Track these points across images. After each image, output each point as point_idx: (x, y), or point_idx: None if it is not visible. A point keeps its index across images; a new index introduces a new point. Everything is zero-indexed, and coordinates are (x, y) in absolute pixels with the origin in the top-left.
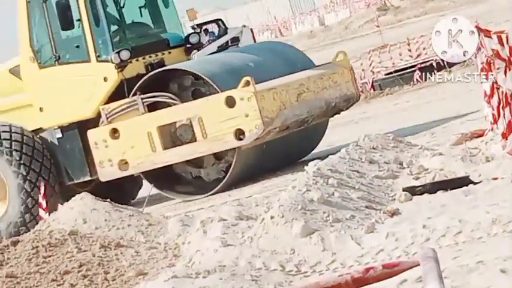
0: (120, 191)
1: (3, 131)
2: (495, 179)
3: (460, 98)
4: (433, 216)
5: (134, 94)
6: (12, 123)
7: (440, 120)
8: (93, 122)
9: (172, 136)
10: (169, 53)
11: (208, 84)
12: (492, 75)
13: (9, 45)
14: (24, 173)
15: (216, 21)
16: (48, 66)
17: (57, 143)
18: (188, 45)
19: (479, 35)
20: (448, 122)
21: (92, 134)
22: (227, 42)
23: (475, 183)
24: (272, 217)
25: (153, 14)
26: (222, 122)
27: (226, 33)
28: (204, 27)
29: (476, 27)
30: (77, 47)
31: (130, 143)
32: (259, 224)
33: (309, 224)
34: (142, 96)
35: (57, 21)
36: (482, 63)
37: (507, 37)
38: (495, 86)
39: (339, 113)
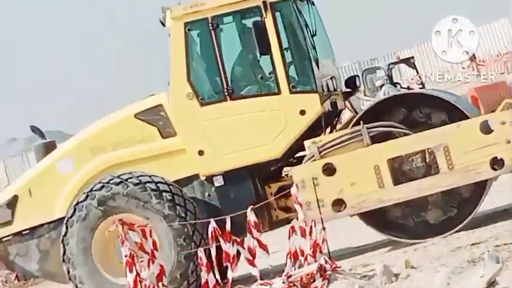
0: None
1: (147, 182)
2: None
3: None
4: None
5: (354, 125)
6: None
7: None
8: (268, 165)
9: (402, 170)
10: (337, 95)
11: (441, 113)
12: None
13: None
14: (183, 215)
15: None
16: (214, 102)
17: (213, 194)
18: (348, 90)
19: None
20: None
21: (298, 172)
22: None
23: None
24: None
25: (328, 51)
26: (475, 150)
27: None
28: None
29: (120, 220)
30: (261, 78)
31: (350, 179)
32: None
33: None
34: (367, 125)
35: (231, 50)
36: (126, 256)
37: (150, 231)
38: (138, 278)
39: None
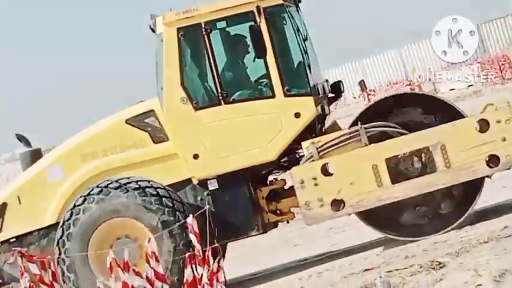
0: None
1: (147, 187)
2: None
3: None
4: None
5: (352, 125)
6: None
7: None
8: (262, 168)
9: (399, 169)
10: (325, 99)
11: (435, 112)
12: None
13: None
14: (182, 220)
15: None
16: (208, 106)
17: (205, 198)
18: (332, 95)
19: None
20: None
21: (297, 172)
22: None
23: None
24: None
25: (314, 56)
26: (472, 148)
27: None
28: None
29: (19, 252)
30: (255, 81)
31: (348, 179)
32: None
33: None
34: (365, 126)
35: (223, 54)
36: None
37: (49, 262)
38: None
39: None
